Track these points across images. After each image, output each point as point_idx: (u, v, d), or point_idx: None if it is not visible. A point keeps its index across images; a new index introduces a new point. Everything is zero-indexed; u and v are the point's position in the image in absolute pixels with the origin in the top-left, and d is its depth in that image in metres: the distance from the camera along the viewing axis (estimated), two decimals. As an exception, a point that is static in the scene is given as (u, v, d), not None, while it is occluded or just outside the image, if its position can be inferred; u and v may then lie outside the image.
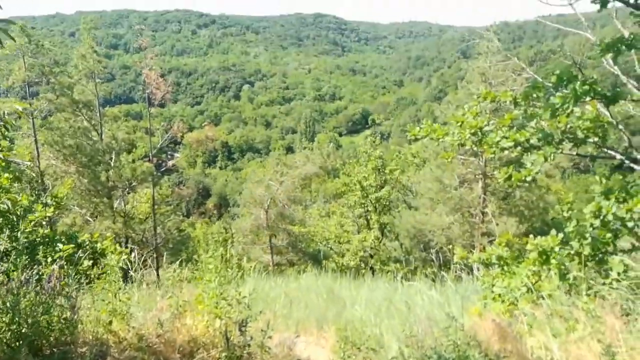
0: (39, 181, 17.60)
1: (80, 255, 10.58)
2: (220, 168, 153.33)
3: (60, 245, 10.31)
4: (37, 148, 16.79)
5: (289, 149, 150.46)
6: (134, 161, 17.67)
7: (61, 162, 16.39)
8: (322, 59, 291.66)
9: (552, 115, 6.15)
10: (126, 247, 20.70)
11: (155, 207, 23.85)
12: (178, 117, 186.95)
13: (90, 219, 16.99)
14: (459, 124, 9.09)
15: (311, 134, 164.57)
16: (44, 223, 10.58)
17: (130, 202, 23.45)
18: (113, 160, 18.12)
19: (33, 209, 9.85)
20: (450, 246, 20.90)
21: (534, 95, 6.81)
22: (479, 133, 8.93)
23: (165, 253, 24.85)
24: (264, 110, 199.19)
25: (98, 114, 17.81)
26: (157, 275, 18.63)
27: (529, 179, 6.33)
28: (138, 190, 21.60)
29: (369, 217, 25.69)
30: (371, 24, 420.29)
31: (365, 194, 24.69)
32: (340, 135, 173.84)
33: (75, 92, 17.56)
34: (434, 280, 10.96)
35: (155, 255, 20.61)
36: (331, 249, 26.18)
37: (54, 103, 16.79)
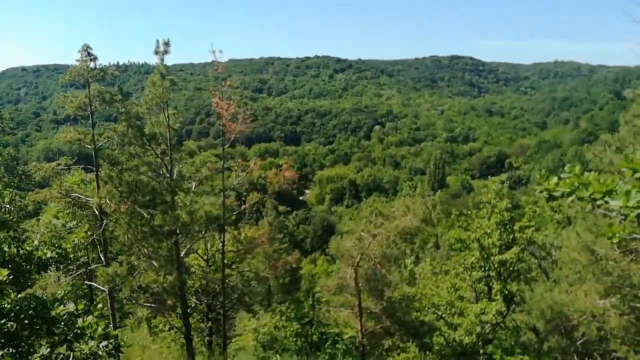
0: (99, 220, 16.04)
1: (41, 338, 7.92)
2: (347, 206, 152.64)
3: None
4: (97, 183, 15.25)
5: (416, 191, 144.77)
6: (191, 203, 15.27)
7: (115, 201, 14.51)
8: (456, 100, 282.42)
9: None
10: (189, 304, 18.37)
11: (240, 254, 21.42)
12: (311, 156, 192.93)
13: (145, 270, 14.76)
14: (638, 174, 4.79)
15: (441, 176, 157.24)
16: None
17: (212, 248, 21.30)
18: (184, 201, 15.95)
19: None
20: (601, 338, 15.13)
21: None
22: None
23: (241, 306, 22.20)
24: (394, 150, 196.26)
25: (169, 149, 15.82)
26: (224, 342, 15.73)
27: None
28: (215, 236, 19.30)
29: (490, 284, 20.51)
30: (511, 65, 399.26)
31: (485, 255, 19.69)
32: (473, 178, 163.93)
33: (148, 123, 15.85)
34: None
35: (222, 312, 17.87)
36: (441, 317, 21.32)
37: (118, 134, 15.21)
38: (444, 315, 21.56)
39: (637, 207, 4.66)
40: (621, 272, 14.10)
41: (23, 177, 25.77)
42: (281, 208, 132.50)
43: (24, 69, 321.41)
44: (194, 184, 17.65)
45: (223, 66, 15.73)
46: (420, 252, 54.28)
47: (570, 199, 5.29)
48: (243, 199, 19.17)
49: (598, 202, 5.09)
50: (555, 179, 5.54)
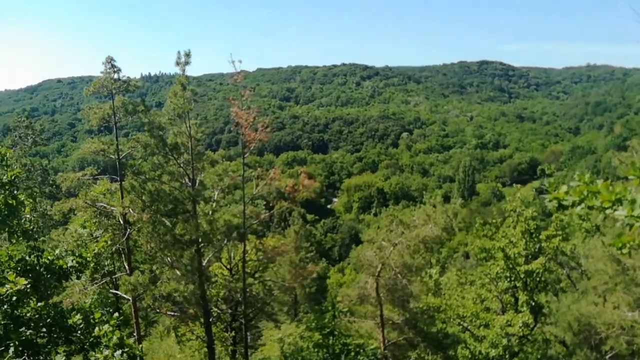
0: (123, 229, 16.38)
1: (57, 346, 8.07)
2: (375, 215, 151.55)
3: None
4: (121, 193, 15.60)
5: (446, 198, 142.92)
6: (212, 213, 15.44)
7: (138, 210, 14.80)
8: (485, 105, 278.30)
9: None
10: (212, 313, 18.49)
11: (262, 262, 21.51)
12: (338, 164, 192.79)
13: (167, 279, 14.95)
14: None
15: (470, 183, 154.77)
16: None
17: (235, 257, 21.41)
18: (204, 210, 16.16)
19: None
20: (632, 352, 14.54)
21: None
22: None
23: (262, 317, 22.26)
24: (422, 157, 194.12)
25: (191, 158, 16.07)
26: (246, 351, 15.80)
27: None
28: (237, 245, 19.40)
29: (516, 295, 20.03)
30: (542, 69, 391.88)
31: (510, 265, 19.24)
32: (504, 185, 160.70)
33: (170, 134, 16.15)
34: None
35: (244, 322, 17.96)
36: (467, 329, 20.90)
37: (141, 144, 15.53)
38: (469, 327, 21.15)
39: (644, 213, 4.50)
40: (652, 284, 13.58)
41: (54, 186, 26.63)
42: (309, 216, 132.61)
43: (59, 80, 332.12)
44: (216, 192, 17.86)
45: (242, 76, 15.93)
46: (449, 261, 53.55)
47: (579, 207, 5.16)
48: (264, 207, 19.30)
49: (607, 211, 4.94)
50: (564, 188, 5.40)
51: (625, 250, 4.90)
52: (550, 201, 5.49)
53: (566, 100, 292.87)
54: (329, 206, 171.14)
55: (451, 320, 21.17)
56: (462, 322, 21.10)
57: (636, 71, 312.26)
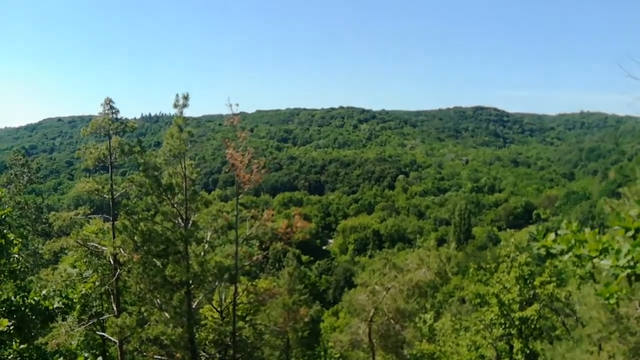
0: (112, 268, 16.21)
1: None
2: (370, 256, 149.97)
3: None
4: (113, 232, 15.54)
5: (442, 241, 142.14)
6: (203, 254, 15.34)
7: (129, 251, 14.70)
8: (481, 150, 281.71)
9: None
10: (200, 358, 18.09)
11: (254, 305, 21.21)
12: (335, 205, 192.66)
13: (156, 321, 14.67)
14: (630, 232, 4.80)
15: (466, 227, 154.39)
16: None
17: (226, 300, 21.08)
18: (195, 252, 16.05)
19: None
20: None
21: None
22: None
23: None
24: (418, 200, 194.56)
25: (185, 198, 16.10)
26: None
27: None
28: (228, 287, 19.15)
29: (511, 342, 19.70)
30: (536, 116, 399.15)
31: (505, 311, 19.02)
32: (500, 229, 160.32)
33: (166, 174, 16.24)
34: None
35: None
36: (461, 377, 20.45)
37: (136, 184, 15.59)
38: (464, 374, 20.70)
39: (627, 267, 4.51)
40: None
41: (48, 224, 26.51)
42: (304, 257, 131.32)
43: (59, 119, 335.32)
44: (209, 233, 17.79)
45: (238, 118, 16.18)
46: (444, 306, 52.74)
47: (567, 256, 5.19)
48: (258, 248, 19.17)
49: (595, 260, 4.97)
50: (552, 236, 5.44)
51: (612, 300, 4.89)
52: (538, 249, 5.54)
53: (560, 146, 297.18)
54: (324, 247, 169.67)
55: (445, 368, 20.74)
56: (456, 370, 20.67)
57: (629, 118, 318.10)
